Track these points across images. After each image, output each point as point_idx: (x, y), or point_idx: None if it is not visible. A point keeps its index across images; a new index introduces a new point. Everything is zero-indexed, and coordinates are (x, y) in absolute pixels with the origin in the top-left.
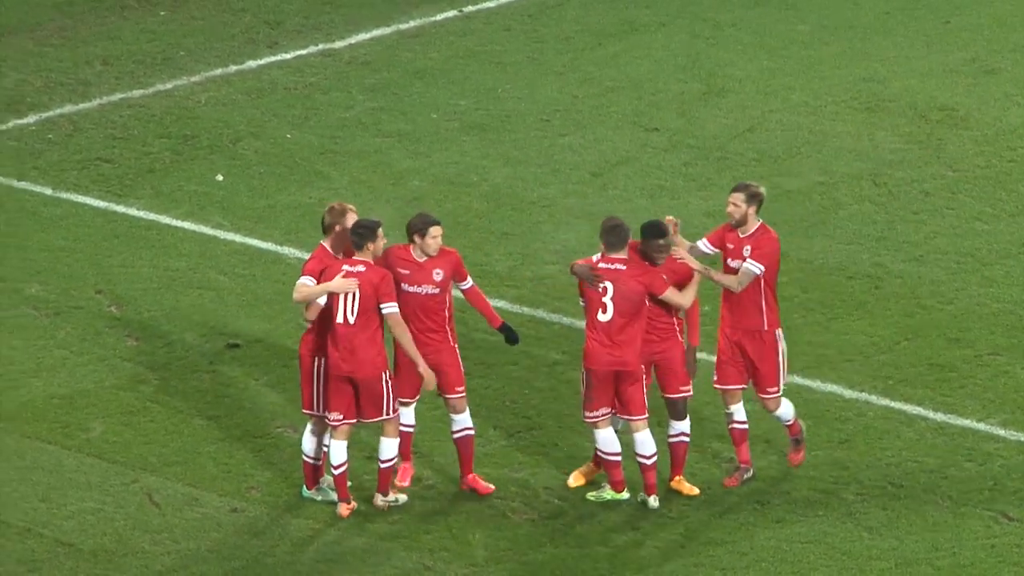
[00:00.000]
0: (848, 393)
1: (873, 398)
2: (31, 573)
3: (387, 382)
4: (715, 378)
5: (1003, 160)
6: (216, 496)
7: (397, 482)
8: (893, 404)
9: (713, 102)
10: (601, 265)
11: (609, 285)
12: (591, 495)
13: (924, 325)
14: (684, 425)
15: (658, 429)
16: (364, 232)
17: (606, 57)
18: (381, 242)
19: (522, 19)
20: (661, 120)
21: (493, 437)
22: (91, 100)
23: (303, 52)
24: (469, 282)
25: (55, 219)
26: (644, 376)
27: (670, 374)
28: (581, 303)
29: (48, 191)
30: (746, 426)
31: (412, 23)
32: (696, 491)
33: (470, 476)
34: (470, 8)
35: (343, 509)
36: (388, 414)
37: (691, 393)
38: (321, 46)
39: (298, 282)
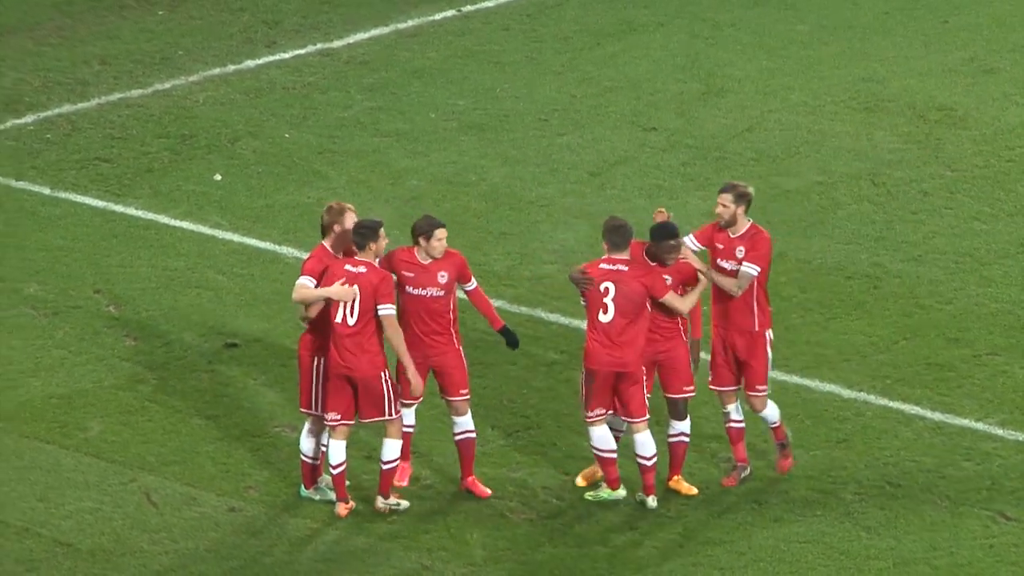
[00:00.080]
0: (846, 393)
1: (871, 398)
2: (29, 573)
3: (386, 382)
4: (710, 379)
5: (1001, 160)
6: (214, 495)
7: (396, 482)
8: (891, 404)
9: (712, 102)
10: (603, 265)
11: (611, 285)
12: (589, 495)
13: (922, 325)
14: (684, 425)
15: (657, 428)
16: (366, 232)
17: (605, 57)
18: (383, 242)
19: (520, 19)
20: (660, 120)
21: (491, 437)
22: (89, 100)
23: (301, 52)
24: (473, 284)
25: (53, 219)
26: (645, 378)
27: (673, 374)
28: (583, 303)
29: (46, 191)
30: (743, 425)
31: (410, 23)
32: (694, 491)
33: (469, 479)
34: (468, 8)
35: (341, 509)
36: (390, 415)
37: (694, 393)
38: (319, 46)
39: (298, 282)
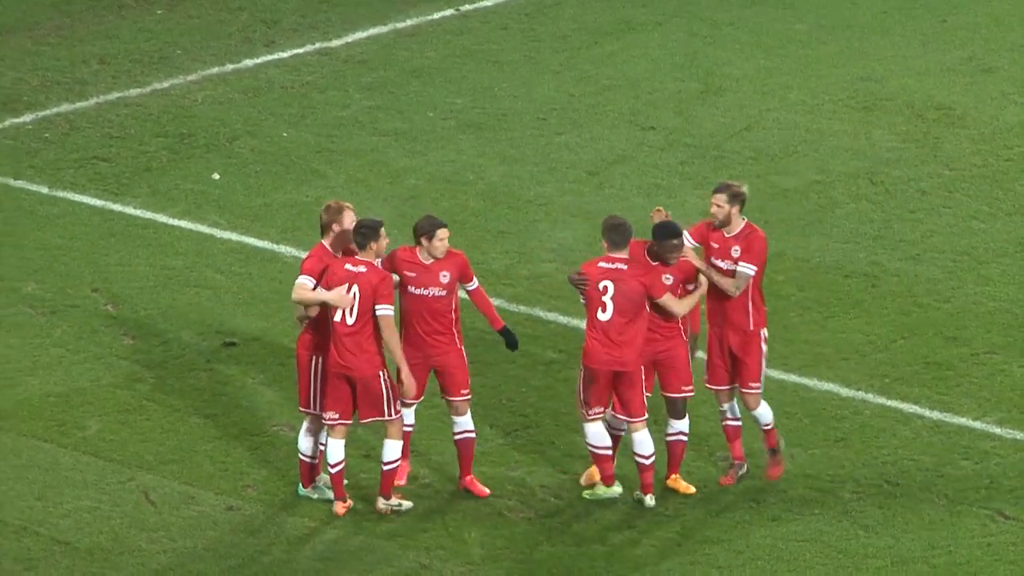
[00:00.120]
0: (844, 391)
1: (869, 396)
2: (27, 571)
3: (385, 382)
4: (706, 377)
5: (1000, 159)
6: (212, 494)
7: (395, 481)
8: (889, 402)
9: (710, 101)
10: (602, 264)
11: (610, 284)
12: (587, 493)
13: (920, 323)
14: (683, 424)
15: (655, 427)
16: (367, 232)
17: (603, 56)
18: (384, 242)
19: (519, 18)
20: (658, 119)
21: (490, 435)
22: (88, 99)
23: (300, 51)
24: (475, 283)
25: (51, 218)
26: (645, 377)
27: (673, 373)
28: (582, 301)
29: (44, 190)
30: (740, 423)
31: (409, 22)
32: (692, 489)
33: (468, 478)
34: (467, 7)
35: (339, 507)
36: (389, 415)
37: (693, 393)
38: (318, 45)
39: (297, 281)
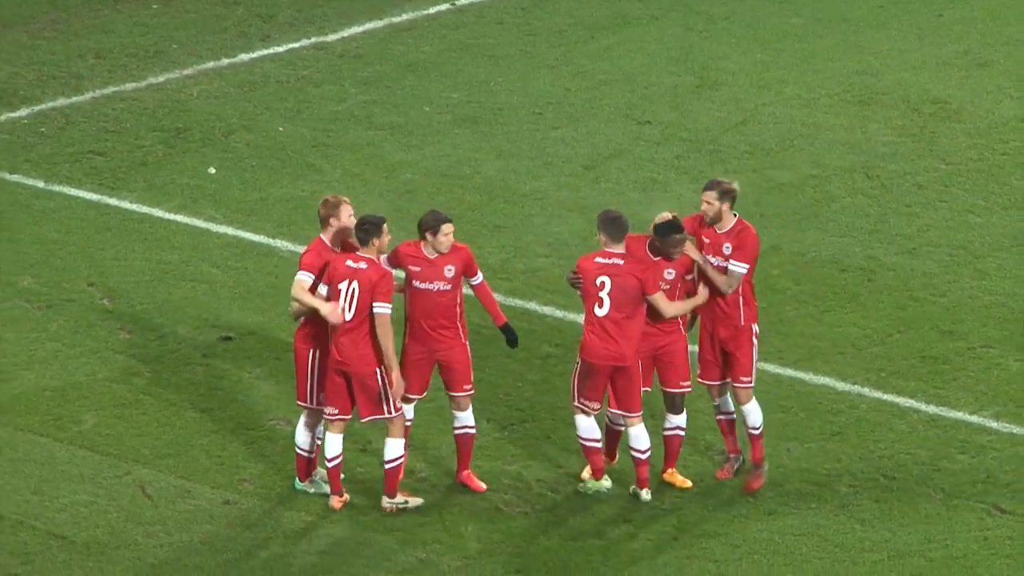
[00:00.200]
0: (841, 385)
1: (866, 390)
2: (24, 566)
3: (382, 378)
4: (698, 372)
5: (996, 153)
6: (209, 488)
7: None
8: (886, 396)
9: (706, 95)
10: (599, 259)
11: (607, 279)
12: (581, 486)
13: (917, 318)
14: (680, 419)
15: (652, 422)
16: (370, 228)
17: (599, 50)
18: (386, 238)
19: (515, 12)
20: (654, 113)
21: (486, 430)
22: (84, 93)
23: (295, 45)
24: (479, 278)
25: (47, 212)
26: (643, 373)
27: (671, 368)
28: (579, 294)
29: (40, 184)
30: (734, 416)
31: (405, 16)
32: (689, 483)
33: (465, 472)
34: (462, 1)
35: (335, 502)
36: (388, 413)
37: (691, 388)
38: (313, 39)
39: (296, 277)
